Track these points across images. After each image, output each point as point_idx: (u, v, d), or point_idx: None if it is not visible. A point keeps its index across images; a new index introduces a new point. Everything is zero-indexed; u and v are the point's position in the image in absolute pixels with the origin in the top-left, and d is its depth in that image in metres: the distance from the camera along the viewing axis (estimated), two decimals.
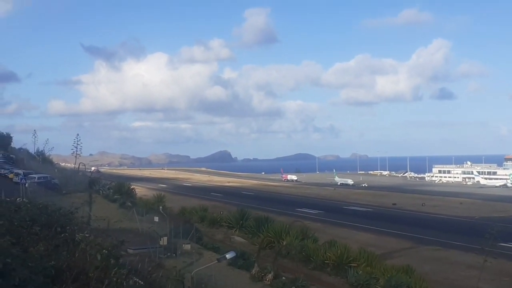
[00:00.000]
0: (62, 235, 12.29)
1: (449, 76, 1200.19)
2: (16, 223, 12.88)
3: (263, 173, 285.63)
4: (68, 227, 13.27)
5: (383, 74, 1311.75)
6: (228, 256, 22.78)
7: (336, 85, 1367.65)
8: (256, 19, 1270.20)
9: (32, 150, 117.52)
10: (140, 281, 10.67)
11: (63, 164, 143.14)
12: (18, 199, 23.50)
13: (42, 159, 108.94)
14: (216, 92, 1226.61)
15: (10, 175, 75.73)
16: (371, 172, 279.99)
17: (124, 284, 9.93)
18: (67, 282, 9.08)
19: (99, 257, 10.11)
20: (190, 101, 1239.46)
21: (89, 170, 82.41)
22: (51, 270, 9.11)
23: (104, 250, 10.63)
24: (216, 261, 23.20)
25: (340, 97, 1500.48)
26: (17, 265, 8.36)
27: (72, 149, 61.78)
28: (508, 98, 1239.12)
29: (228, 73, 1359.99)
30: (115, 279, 9.79)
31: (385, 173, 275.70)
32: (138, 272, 11.64)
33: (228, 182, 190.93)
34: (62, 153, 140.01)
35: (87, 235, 11.89)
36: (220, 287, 30.81)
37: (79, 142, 61.04)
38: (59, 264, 9.64)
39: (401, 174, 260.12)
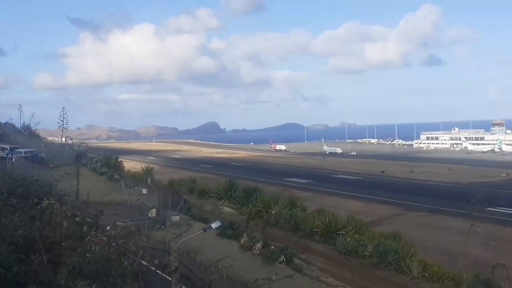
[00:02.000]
0: (39, 206, 12.12)
1: (438, 42, 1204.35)
2: None
3: (252, 143, 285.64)
4: (45, 198, 13.07)
5: (372, 41, 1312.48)
6: (213, 225, 22.62)
7: (324, 53, 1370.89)
8: None
9: (18, 124, 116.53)
10: (118, 248, 10.49)
11: (50, 138, 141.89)
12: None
13: (28, 133, 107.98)
14: (204, 63, 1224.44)
15: None
16: (360, 140, 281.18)
17: (97, 250, 9.78)
18: (40, 252, 8.96)
19: (65, 224, 10.00)
20: (178, 72, 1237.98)
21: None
22: (19, 239, 9.00)
23: (76, 218, 10.52)
24: (202, 231, 23.03)
25: (329, 66, 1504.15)
26: None
27: (59, 123, 61.34)
28: (497, 63, 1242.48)
29: (216, 43, 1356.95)
30: (88, 247, 9.66)
31: (373, 141, 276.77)
32: (113, 240, 11.46)
33: (217, 153, 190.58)
34: (48, 127, 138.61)
35: (52, 201, 11.68)
36: (208, 256, 30.77)
37: (65, 116, 60.60)
38: (31, 234, 9.51)
39: (389, 142, 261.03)
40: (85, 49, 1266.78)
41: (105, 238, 11.04)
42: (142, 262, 11.96)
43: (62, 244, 9.49)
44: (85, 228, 10.76)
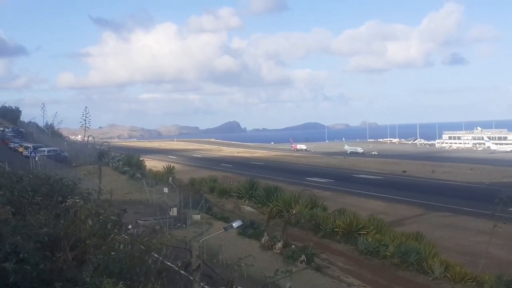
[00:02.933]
0: (63, 204, 12.31)
1: (461, 40, 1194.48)
2: (17, 193, 12.97)
3: (272, 143, 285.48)
4: (69, 197, 13.28)
5: (393, 40, 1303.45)
6: (234, 225, 22.60)
7: (346, 52, 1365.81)
8: None
9: (41, 123, 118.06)
10: (141, 246, 10.62)
11: (72, 137, 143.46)
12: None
13: (51, 132, 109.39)
14: (225, 62, 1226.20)
15: (20, 149, 76.30)
16: (381, 140, 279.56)
17: (122, 248, 9.89)
18: (65, 250, 9.10)
19: (90, 222, 10.14)
20: (199, 71, 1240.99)
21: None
22: (44, 237, 9.15)
23: (100, 217, 10.67)
24: (223, 230, 23.09)
25: (350, 65, 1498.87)
26: (7, 232, 8.38)
27: (81, 122, 61.93)
28: None
29: (237, 42, 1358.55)
30: (112, 245, 9.79)
31: (394, 140, 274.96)
32: (137, 238, 11.60)
33: (238, 152, 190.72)
34: (71, 126, 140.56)
35: (77, 200, 11.85)
36: (229, 255, 30.85)
37: (87, 115, 61.17)
38: (56, 232, 9.66)
39: (411, 142, 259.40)
40: (107, 49, 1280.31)
41: (126, 237, 11.19)
42: (165, 261, 12.09)
43: (87, 242, 9.64)
44: (109, 226, 10.92)
